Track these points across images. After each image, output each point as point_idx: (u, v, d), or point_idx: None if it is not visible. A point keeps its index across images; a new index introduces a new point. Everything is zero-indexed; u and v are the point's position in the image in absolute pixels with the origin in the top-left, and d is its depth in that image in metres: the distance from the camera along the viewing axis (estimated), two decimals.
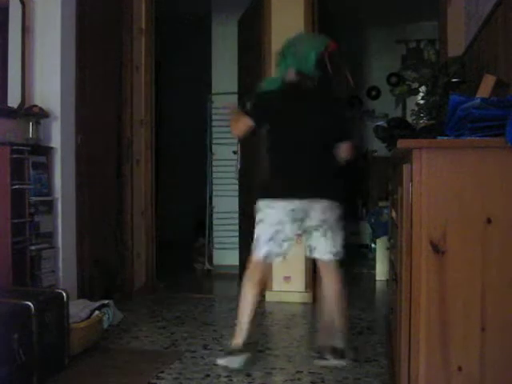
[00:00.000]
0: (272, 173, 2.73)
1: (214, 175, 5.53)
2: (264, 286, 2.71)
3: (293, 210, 2.57)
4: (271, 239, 2.60)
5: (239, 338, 2.62)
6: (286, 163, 2.69)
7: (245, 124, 2.69)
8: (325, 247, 2.68)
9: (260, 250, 2.63)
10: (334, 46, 2.72)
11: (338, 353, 2.67)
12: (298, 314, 3.76)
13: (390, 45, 6.97)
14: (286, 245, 2.63)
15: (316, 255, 2.73)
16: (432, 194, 1.57)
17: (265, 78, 2.79)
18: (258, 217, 2.66)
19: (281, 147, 2.70)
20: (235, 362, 2.58)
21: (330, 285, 2.73)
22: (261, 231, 2.64)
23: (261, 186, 2.87)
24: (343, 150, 2.71)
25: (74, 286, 3.31)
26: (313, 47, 2.68)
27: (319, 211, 2.61)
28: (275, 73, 2.82)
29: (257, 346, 2.84)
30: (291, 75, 2.68)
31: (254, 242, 2.66)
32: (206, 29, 5.65)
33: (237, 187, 4.91)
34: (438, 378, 1.58)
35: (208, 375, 2.56)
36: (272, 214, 2.60)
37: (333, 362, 2.66)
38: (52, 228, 3.15)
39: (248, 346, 2.63)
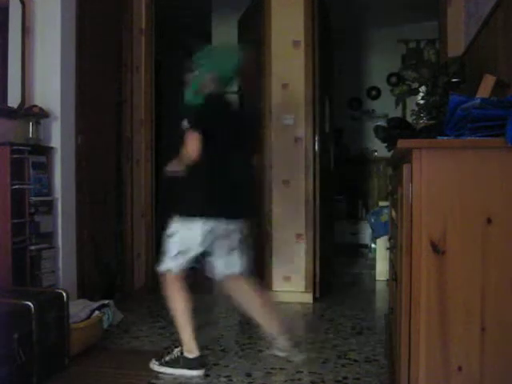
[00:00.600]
0: (195, 191, 2.60)
1: None
2: (187, 294, 2.68)
3: (210, 231, 2.53)
4: (180, 253, 2.57)
5: (194, 350, 2.62)
6: (208, 181, 2.56)
7: (195, 139, 2.49)
8: (234, 264, 2.67)
9: (169, 264, 2.60)
10: (251, 55, 2.73)
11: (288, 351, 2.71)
12: (298, 314, 3.76)
13: (390, 45, 6.97)
14: (194, 257, 2.60)
15: (226, 271, 2.70)
16: (432, 194, 1.57)
17: (185, 91, 2.68)
18: (172, 230, 2.60)
19: (207, 163, 2.54)
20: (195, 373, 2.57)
21: (254, 300, 2.72)
22: (172, 245, 2.59)
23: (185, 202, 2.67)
24: (256, 162, 2.72)
25: (74, 285, 3.31)
26: (232, 55, 2.70)
27: (236, 232, 2.60)
28: (190, 79, 2.67)
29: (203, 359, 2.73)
30: (209, 83, 2.60)
31: (164, 255, 2.62)
32: (206, 29, 5.65)
33: None
34: (438, 378, 1.58)
35: (208, 375, 2.56)
36: (186, 231, 2.55)
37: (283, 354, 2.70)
38: (52, 228, 3.15)
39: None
